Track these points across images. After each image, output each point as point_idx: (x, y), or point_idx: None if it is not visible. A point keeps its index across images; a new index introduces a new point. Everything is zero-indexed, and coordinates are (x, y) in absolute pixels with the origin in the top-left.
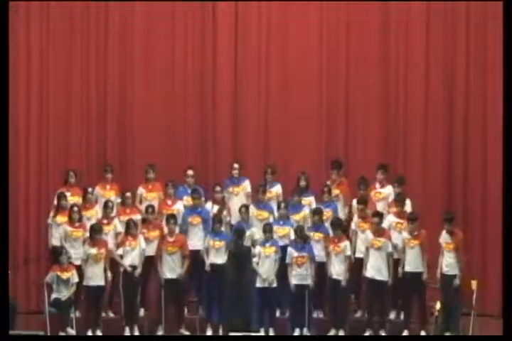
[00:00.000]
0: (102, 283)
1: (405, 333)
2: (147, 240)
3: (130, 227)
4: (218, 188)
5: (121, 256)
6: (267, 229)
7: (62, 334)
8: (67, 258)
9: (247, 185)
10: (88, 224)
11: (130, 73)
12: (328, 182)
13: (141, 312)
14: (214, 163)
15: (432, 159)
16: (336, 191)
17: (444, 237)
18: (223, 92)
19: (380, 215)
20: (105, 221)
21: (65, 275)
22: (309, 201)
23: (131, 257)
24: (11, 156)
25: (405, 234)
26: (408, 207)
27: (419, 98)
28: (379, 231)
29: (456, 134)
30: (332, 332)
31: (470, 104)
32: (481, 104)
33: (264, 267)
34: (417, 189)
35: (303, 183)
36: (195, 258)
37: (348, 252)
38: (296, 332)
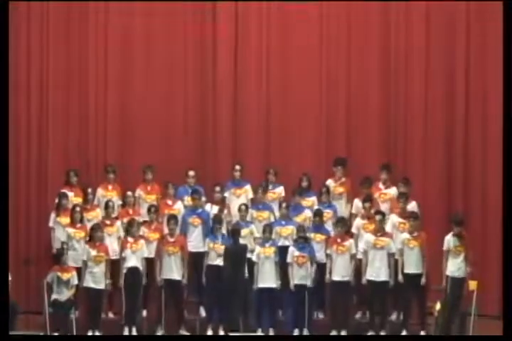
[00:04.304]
0: (102, 285)
1: (404, 333)
2: (147, 241)
3: (132, 226)
4: (218, 188)
5: (124, 258)
6: (267, 229)
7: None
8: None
9: (248, 190)
10: (89, 226)
11: (130, 74)
12: (328, 182)
13: (144, 313)
14: (214, 164)
15: (432, 159)
16: (339, 189)
17: (451, 240)
18: (223, 93)
19: (382, 213)
20: (108, 221)
21: (65, 276)
22: (312, 202)
23: (133, 259)
24: (11, 157)
25: (405, 235)
26: (413, 208)
27: (419, 98)
28: (382, 231)
29: (457, 134)
30: (333, 333)
31: (470, 104)
32: (481, 103)
33: (265, 268)
34: (417, 189)
35: (305, 184)
36: (195, 259)
37: (354, 250)
38: (296, 333)
